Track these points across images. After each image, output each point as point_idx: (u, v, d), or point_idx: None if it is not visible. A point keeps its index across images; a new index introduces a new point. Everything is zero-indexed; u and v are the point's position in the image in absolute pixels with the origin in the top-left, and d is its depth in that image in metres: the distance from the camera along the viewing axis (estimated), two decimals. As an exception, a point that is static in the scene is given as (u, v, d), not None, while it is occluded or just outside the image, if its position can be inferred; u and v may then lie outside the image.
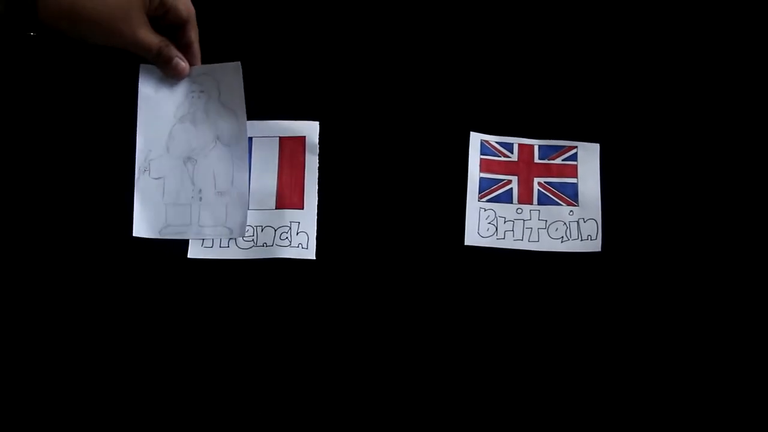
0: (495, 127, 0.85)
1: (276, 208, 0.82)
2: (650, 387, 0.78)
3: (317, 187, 0.82)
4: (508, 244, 0.82)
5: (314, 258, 0.80)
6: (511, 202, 0.83)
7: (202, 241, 0.81)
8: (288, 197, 0.82)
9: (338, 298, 0.80)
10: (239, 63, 0.81)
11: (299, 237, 0.81)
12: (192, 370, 0.78)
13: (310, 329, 0.79)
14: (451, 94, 0.85)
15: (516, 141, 0.85)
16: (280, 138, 0.83)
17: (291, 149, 0.83)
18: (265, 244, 0.81)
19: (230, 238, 0.81)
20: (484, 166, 0.84)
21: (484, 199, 0.83)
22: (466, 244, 0.82)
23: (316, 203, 0.82)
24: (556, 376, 0.78)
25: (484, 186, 0.84)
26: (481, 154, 0.84)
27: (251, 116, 0.83)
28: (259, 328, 0.79)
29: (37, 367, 0.78)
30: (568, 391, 0.78)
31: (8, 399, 0.77)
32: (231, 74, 0.82)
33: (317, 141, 0.83)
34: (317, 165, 0.83)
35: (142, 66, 0.82)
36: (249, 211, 0.82)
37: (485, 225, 0.82)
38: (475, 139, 0.84)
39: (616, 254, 0.81)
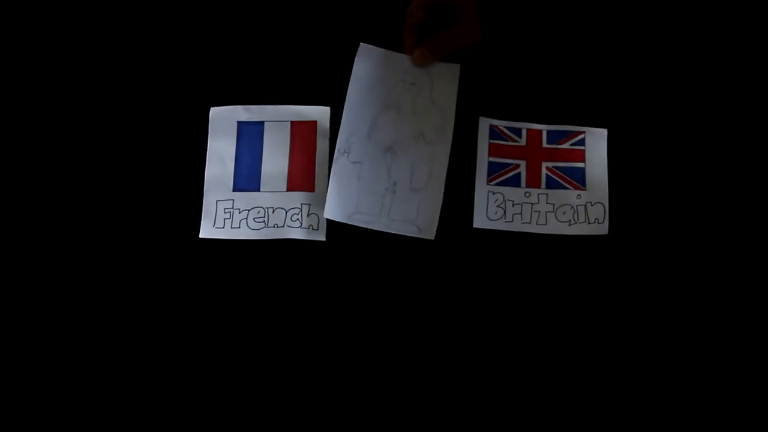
0: (504, 112, 0.86)
1: (287, 191, 0.83)
2: (656, 369, 0.78)
3: (328, 170, 0.83)
4: (517, 227, 0.82)
5: (324, 239, 0.82)
6: (520, 186, 0.84)
7: (214, 220, 0.82)
8: (299, 180, 0.83)
9: (348, 278, 0.81)
10: (458, 65, 0.83)
11: (310, 218, 0.82)
12: (203, 348, 0.80)
13: (321, 309, 0.80)
14: (461, 80, 0.86)
15: (525, 126, 0.85)
16: (292, 122, 0.85)
17: (302, 133, 0.84)
18: (276, 225, 0.82)
19: (418, 237, 0.80)
20: (493, 150, 0.85)
21: (493, 183, 0.84)
22: (474, 226, 0.82)
23: (327, 186, 0.83)
24: (564, 358, 0.79)
25: (493, 170, 0.84)
26: (490, 138, 0.85)
27: (263, 101, 0.85)
28: (270, 307, 0.80)
29: (49, 346, 0.80)
30: (576, 373, 0.79)
31: (24, 371, 0.80)
32: (448, 73, 0.83)
33: (328, 125, 0.84)
34: (328, 148, 0.84)
35: (361, 45, 0.83)
36: (260, 193, 0.83)
37: (494, 208, 0.83)
38: (484, 123, 0.85)
39: (623, 237, 0.81)
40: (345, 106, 0.82)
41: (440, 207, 0.81)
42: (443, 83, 0.83)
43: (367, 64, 0.83)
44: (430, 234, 0.81)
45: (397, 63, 0.84)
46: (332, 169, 0.81)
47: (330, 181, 0.81)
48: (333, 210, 0.81)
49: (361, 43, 0.83)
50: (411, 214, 0.81)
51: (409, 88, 0.83)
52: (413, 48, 0.83)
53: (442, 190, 0.81)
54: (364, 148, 0.82)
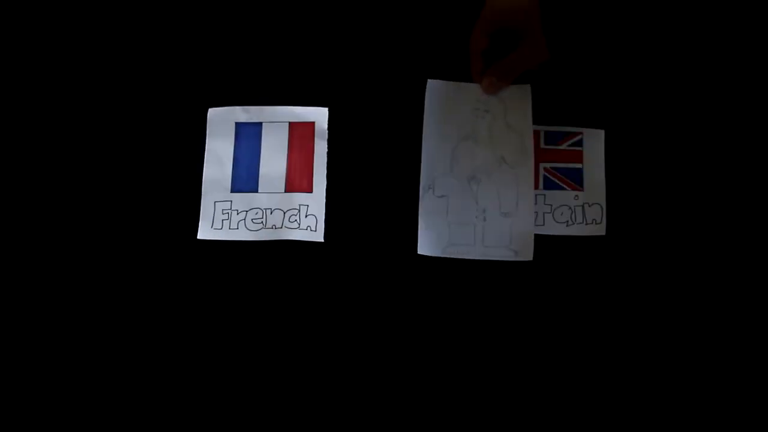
0: (502, 115, 0.86)
1: (285, 192, 0.83)
2: (653, 369, 0.78)
3: (326, 171, 0.83)
4: (514, 227, 0.83)
5: (322, 240, 0.82)
6: (517, 188, 0.84)
7: (212, 222, 0.82)
8: (297, 181, 0.83)
9: (346, 279, 0.81)
10: (529, 86, 0.83)
11: (308, 219, 0.82)
12: (202, 350, 0.80)
13: (319, 310, 0.80)
14: (459, 80, 0.86)
15: (522, 127, 0.86)
16: (290, 123, 0.85)
17: (300, 134, 0.84)
18: (274, 227, 0.82)
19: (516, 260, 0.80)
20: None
21: (489, 184, 0.84)
22: (472, 227, 0.83)
23: (325, 187, 0.83)
24: (563, 358, 0.79)
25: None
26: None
27: (261, 102, 0.85)
28: (268, 309, 0.80)
29: (49, 347, 0.80)
30: (574, 373, 0.79)
31: (28, 367, 0.80)
32: (520, 95, 0.83)
33: (326, 126, 0.85)
34: (326, 150, 0.84)
35: (429, 81, 0.84)
36: (258, 195, 0.83)
37: (491, 209, 0.84)
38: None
39: (621, 238, 0.82)
40: (423, 143, 0.83)
41: (533, 228, 0.81)
42: (516, 105, 0.83)
43: (438, 99, 0.84)
44: (527, 256, 0.81)
45: (468, 93, 0.84)
46: (420, 205, 0.82)
47: (420, 218, 0.81)
48: (427, 246, 0.81)
49: (429, 80, 0.84)
50: (505, 239, 0.81)
51: (484, 116, 0.83)
52: (481, 76, 0.82)
53: (533, 210, 0.81)
54: (448, 181, 0.82)
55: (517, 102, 0.83)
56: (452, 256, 0.81)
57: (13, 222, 0.83)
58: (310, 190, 0.83)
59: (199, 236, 0.82)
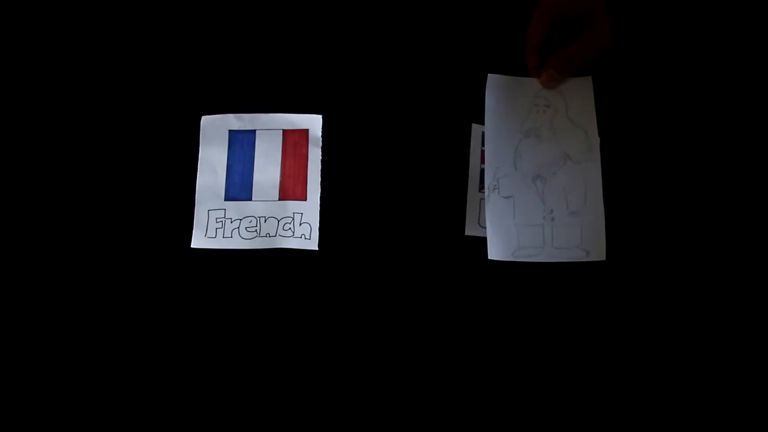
0: (496, 120, 0.86)
1: (279, 199, 0.83)
2: (646, 379, 0.78)
3: (320, 179, 0.83)
4: (509, 234, 0.83)
5: (317, 248, 0.82)
6: (512, 193, 0.84)
7: (205, 230, 0.82)
8: (291, 189, 0.83)
9: (341, 288, 0.81)
10: (590, 77, 0.81)
11: (302, 228, 0.82)
12: (195, 359, 0.80)
13: (313, 319, 0.80)
14: (453, 86, 0.86)
15: (517, 133, 0.85)
16: (284, 131, 0.84)
17: (294, 142, 0.84)
18: (268, 235, 0.82)
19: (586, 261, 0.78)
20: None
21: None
22: (466, 234, 0.82)
23: (319, 195, 0.83)
24: (555, 364, 0.79)
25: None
26: (482, 145, 0.85)
27: (255, 109, 0.85)
28: (263, 317, 0.80)
29: (40, 357, 0.80)
30: (565, 376, 0.79)
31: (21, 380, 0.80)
32: (581, 89, 0.81)
33: (320, 134, 0.84)
34: (320, 157, 0.84)
35: (489, 76, 0.82)
36: (252, 203, 0.83)
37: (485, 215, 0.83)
38: (477, 130, 0.85)
39: (617, 247, 0.81)
40: (485, 140, 0.81)
41: (604, 226, 0.79)
42: (578, 99, 0.81)
43: (498, 95, 0.82)
44: (600, 255, 0.78)
45: (528, 87, 0.82)
46: (486, 208, 0.79)
47: (487, 222, 0.79)
48: (496, 250, 0.79)
49: (489, 75, 0.82)
50: (575, 239, 0.79)
51: (545, 111, 0.81)
52: (539, 70, 0.81)
53: (602, 207, 0.79)
54: (513, 180, 0.80)
55: (579, 95, 0.81)
56: (521, 260, 0.79)
57: (6, 229, 0.83)
58: (304, 198, 0.83)
59: (193, 245, 0.82)
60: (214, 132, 0.84)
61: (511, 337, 0.80)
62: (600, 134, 0.82)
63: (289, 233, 0.82)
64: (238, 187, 0.83)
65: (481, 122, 0.85)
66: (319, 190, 0.83)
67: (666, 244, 0.81)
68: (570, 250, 0.79)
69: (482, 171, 0.84)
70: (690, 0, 0.82)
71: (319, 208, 0.83)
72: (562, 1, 0.78)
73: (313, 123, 0.84)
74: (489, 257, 0.79)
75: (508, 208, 0.80)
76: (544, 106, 0.82)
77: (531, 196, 0.80)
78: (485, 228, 0.82)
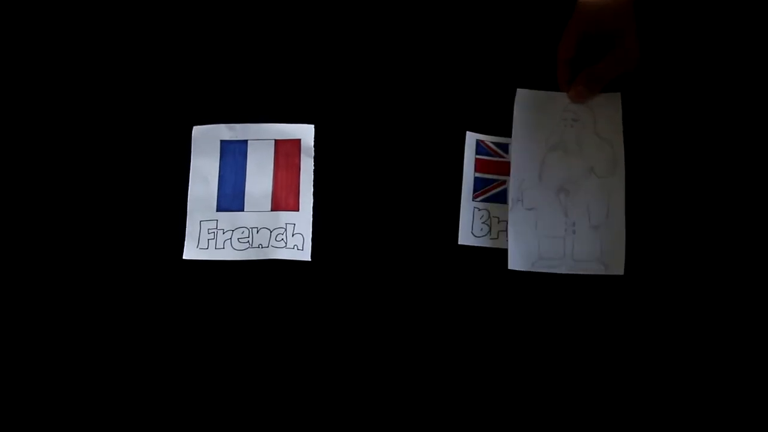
0: (491, 127, 0.85)
1: (271, 210, 0.83)
2: (657, 393, 0.79)
3: (312, 189, 0.83)
4: (502, 244, 0.82)
5: (310, 259, 0.81)
6: (505, 203, 0.83)
7: (197, 241, 0.82)
8: (283, 199, 0.83)
9: (334, 298, 0.81)
10: (619, 94, 0.82)
11: (295, 238, 0.82)
12: (187, 370, 0.80)
13: (306, 330, 0.80)
14: (447, 94, 0.85)
15: (512, 142, 0.85)
16: (276, 141, 0.84)
17: (286, 152, 0.84)
18: (260, 246, 0.82)
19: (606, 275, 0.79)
20: (479, 165, 0.84)
21: (479, 199, 0.83)
22: (459, 243, 0.82)
23: (311, 205, 0.82)
24: (549, 373, 0.79)
25: (479, 186, 0.84)
26: (477, 153, 0.84)
27: (246, 119, 0.84)
28: (255, 329, 0.80)
29: (31, 368, 0.80)
30: (558, 388, 0.79)
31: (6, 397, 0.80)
32: (609, 104, 0.82)
33: (312, 144, 0.84)
34: (312, 167, 0.83)
35: (518, 91, 0.83)
36: (244, 213, 0.83)
37: (479, 225, 0.83)
38: (471, 138, 0.85)
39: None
40: (511, 154, 0.82)
41: (624, 241, 0.79)
42: (606, 114, 0.82)
43: (526, 109, 0.83)
44: (618, 269, 0.79)
45: (556, 102, 0.83)
46: (509, 218, 0.81)
47: (509, 232, 0.80)
48: (516, 260, 0.80)
49: (518, 89, 0.83)
50: (595, 252, 0.80)
51: (572, 125, 0.82)
52: (568, 85, 0.81)
53: (623, 223, 0.80)
54: (537, 192, 0.81)
55: (607, 111, 0.82)
56: (541, 270, 0.80)
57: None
58: (296, 208, 0.83)
59: (185, 256, 0.82)
60: (206, 142, 0.84)
61: (501, 346, 0.80)
62: (625, 149, 0.82)
63: (282, 244, 0.81)
64: (230, 197, 0.83)
65: (475, 130, 0.85)
66: (312, 200, 0.83)
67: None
68: (589, 263, 0.80)
69: (476, 179, 0.84)
70: (717, 17, 0.83)
71: (311, 218, 0.82)
72: (592, 19, 0.79)
73: (305, 133, 0.84)
74: (509, 267, 0.80)
75: (530, 219, 0.81)
76: (572, 120, 0.82)
77: (554, 208, 0.81)
78: (479, 237, 0.82)
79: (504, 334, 0.80)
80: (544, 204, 0.81)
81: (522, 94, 0.83)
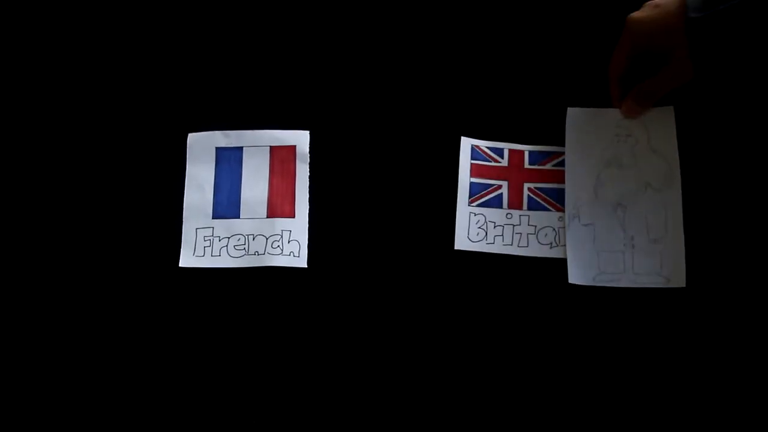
0: (486, 132, 0.85)
1: (267, 217, 0.83)
2: (637, 384, 0.78)
3: (308, 196, 0.83)
4: (498, 248, 0.82)
5: (306, 266, 0.81)
6: (501, 207, 0.84)
7: (193, 249, 0.82)
8: (279, 206, 0.83)
9: (330, 305, 0.81)
10: (672, 107, 0.82)
11: (291, 245, 0.82)
12: (185, 378, 0.80)
13: (303, 337, 0.80)
14: (442, 99, 0.85)
15: (506, 146, 0.85)
16: (271, 147, 0.84)
17: (281, 158, 0.84)
18: (256, 253, 0.81)
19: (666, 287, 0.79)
20: (475, 170, 0.84)
21: (475, 204, 0.84)
22: (455, 248, 0.82)
23: (307, 211, 0.82)
24: (545, 379, 0.79)
25: (475, 191, 0.84)
26: (472, 159, 0.85)
27: (241, 126, 0.84)
28: (252, 336, 0.80)
29: (28, 375, 0.80)
30: (554, 395, 0.79)
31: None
32: (662, 118, 0.82)
33: (308, 150, 0.84)
34: (308, 174, 0.83)
35: (569, 110, 0.83)
36: (240, 220, 0.83)
37: (475, 230, 0.83)
38: (466, 144, 0.85)
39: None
40: (566, 171, 0.82)
41: (684, 253, 0.79)
42: (659, 129, 0.82)
43: (578, 127, 0.83)
44: (680, 282, 0.79)
45: (608, 118, 0.83)
46: (567, 234, 0.81)
47: (567, 247, 0.81)
48: (576, 275, 0.80)
49: (568, 108, 0.83)
50: (655, 266, 0.80)
51: (626, 140, 0.82)
52: (621, 101, 0.82)
53: (682, 236, 0.80)
54: (593, 209, 0.81)
55: (660, 125, 0.82)
56: (601, 285, 0.80)
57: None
58: (292, 215, 0.82)
59: (181, 264, 0.82)
60: (201, 149, 0.84)
61: (498, 352, 0.80)
62: (681, 162, 0.82)
63: (278, 251, 0.81)
64: (226, 204, 0.83)
65: (470, 135, 0.85)
66: (308, 206, 0.83)
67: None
68: (650, 276, 0.80)
69: (471, 184, 0.84)
70: None
71: (307, 225, 0.82)
72: (643, 36, 0.79)
73: (300, 139, 0.84)
74: (570, 281, 0.80)
75: (588, 235, 0.81)
76: (625, 135, 0.83)
77: (611, 223, 0.81)
78: (475, 242, 0.82)
79: (500, 339, 0.80)
80: (601, 219, 0.81)
81: (573, 113, 0.84)
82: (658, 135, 0.82)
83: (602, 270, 0.80)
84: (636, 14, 0.79)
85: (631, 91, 0.81)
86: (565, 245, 0.82)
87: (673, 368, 0.78)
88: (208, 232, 0.82)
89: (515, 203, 0.84)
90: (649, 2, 0.79)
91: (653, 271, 0.80)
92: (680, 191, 0.81)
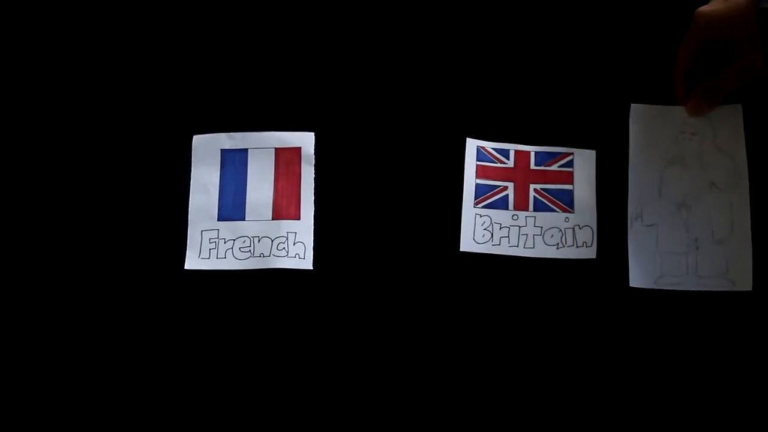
0: (491, 134, 0.85)
1: (272, 219, 0.82)
2: (643, 393, 0.78)
3: (313, 198, 0.83)
4: (504, 250, 0.82)
5: (311, 268, 0.81)
6: (507, 209, 0.83)
7: (199, 251, 0.82)
8: (284, 208, 0.83)
9: (336, 307, 0.81)
10: (740, 105, 0.80)
11: (296, 247, 0.81)
12: (191, 381, 0.80)
13: (308, 339, 0.80)
14: (447, 101, 0.85)
15: (512, 147, 0.85)
16: (276, 149, 0.84)
17: (287, 160, 0.84)
18: (262, 255, 0.81)
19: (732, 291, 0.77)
20: (480, 172, 0.84)
21: (480, 206, 0.83)
22: (461, 250, 0.82)
23: (313, 213, 0.82)
24: (551, 383, 0.79)
25: (480, 192, 0.84)
26: (478, 160, 0.84)
27: (246, 128, 0.84)
28: (257, 338, 0.80)
29: (33, 378, 0.80)
30: (562, 397, 0.79)
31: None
32: (730, 116, 0.80)
33: (313, 152, 0.84)
34: (313, 175, 0.83)
35: (632, 106, 0.82)
36: (245, 223, 0.82)
37: (481, 231, 0.83)
38: (472, 145, 0.84)
39: (611, 261, 0.81)
40: (629, 170, 0.81)
41: (751, 256, 0.78)
42: (726, 127, 0.80)
43: (642, 124, 0.82)
44: (746, 285, 0.78)
45: (673, 116, 0.82)
46: (629, 235, 0.80)
47: (629, 249, 0.80)
48: (638, 278, 0.79)
49: (632, 104, 0.82)
50: (720, 268, 0.78)
51: (691, 139, 0.80)
52: (686, 98, 0.80)
53: (750, 237, 0.78)
54: (656, 208, 0.80)
55: (727, 122, 0.80)
56: (664, 288, 0.79)
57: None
58: (297, 217, 0.82)
59: (187, 266, 0.82)
60: (206, 151, 0.84)
61: (505, 353, 0.80)
62: (748, 162, 0.80)
63: (283, 253, 0.81)
64: (231, 207, 0.83)
65: (475, 136, 0.84)
66: (313, 208, 0.82)
67: None
68: (715, 279, 0.78)
69: (477, 186, 0.83)
70: None
71: (312, 226, 0.82)
72: (712, 29, 0.77)
73: (305, 141, 0.84)
74: (630, 284, 0.79)
75: (650, 235, 0.80)
76: (690, 133, 0.81)
77: (675, 224, 0.80)
78: (480, 244, 0.82)
79: (506, 340, 0.80)
80: (665, 220, 0.80)
81: (636, 109, 0.82)
82: (724, 134, 0.80)
83: (664, 273, 0.79)
84: (705, 8, 0.77)
85: (698, 89, 0.79)
86: (571, 246, 0.81)
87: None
88: (214, 234, 0.82)
89: (521, 204, 0.83)
90: None
91: (718, 273, 0.78)
92: (747, 192, 0.79)
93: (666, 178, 0.80)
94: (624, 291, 0.79)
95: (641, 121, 0.82)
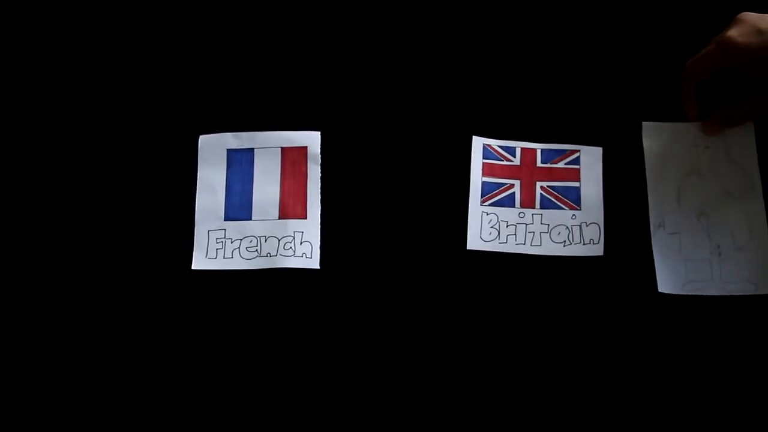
0: (497, 131, 0.85)
1: (279, 218, 0.82)
2: (650, 392, 0.78)
3: (320, 197, 0.83)
4: (511, 248, 0.82)
5: (318, 267, 0.81)
6: (514, 206, 0.83)
7: (206, 251, 0.82)
8: (291, 207, 0.83)
9: (343, 306, 0.81)
10: (752, 122, 0.82)
11: (303, 247, 0.81)
12: (198, 380, 0.79)
13: (315, 339, 0.80)
14: (453, 99, 0.85)
15: (518, 145, 0.85)
16: (282, 148, 0.84)
17: (293, 159, 0.84)
18: (269, 255, 0.81)
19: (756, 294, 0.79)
20: (487, 170, 0.84)
21: (487, 203, 0.83)
22: (468, 248, 0.82)
23: (319, 212, 0.82)
24: (558, 380, 0.79)
25: (487, 190, 0.84)
26: (484, 158, 0.84)
27: (252, 127, 0.84)
28: (264, 338, 0.80)
29: (37, 379, 0.80)
30: (568, 394, 0.78)
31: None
32: (742, 130, 0.82)
33: (319, 151, 0.84)
34: (319, 174, 0.83)
35: (644, 124, 0.83)
36: (252, 222, 0.82)
37: (487, 229, 0.82)
38: (478, 143, 0.84)
39: (619, 258, 0.81)
40: (648, 182, 0.83)
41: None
42: (738, 140, 0.82)
43: (655, 140, 0.83)
44: None
45: (686, 131, 0.83)
46: (653, 243, 0.81)
47: (655, 257, 0.81)
48: (665, 284, 0.80)
49: (643, 122, 0.84)
50: (743, 273, 0.80)
51: (704, 151, 0.82)
52: (693, 99, 0.82)
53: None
54: (677, 218, 0.81)
55: (739, 136, 0.82)
56: (690, 293, 0.80)
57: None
58: (304, 216, 0.82)
59: (194, 266, 0.81)
60: (212, 151, 0.84)
61: (512, 351, 0.80)
62: (761, 171, 0.82)
63: (290, 252, 0.81)
64: (238, 206, 0.83)
65: (481, 134, 0.84)
66: (320, 207, 0.82)
67: None
68: (738, 284, 0.80)
69: (483, 183, 0.83)
70: None
71: (319, 226, 0.82)
72: (739, 60, 0.77)
73: (311, 140, 0.84)
74: (659, 290, 0.80)
75: (674, 243, 0.81)
76: (703, 147, 0.83)
77: (696, 232, 0.81)
78: (487, 242, 0.82)
79: (513, 338, 0.80)
80: (687, 228, 0.81)
81: (648, 127, 0.84)
82: (736, 147, 0.82)
83: (690, 279, 0.80)
84: (737, 37, 0.77)
85: (715, 113, 0.81)
86: (578, 243, 0.81)
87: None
88: (220, 234, 0.82)
89: (528, 202, 0.83)
90: (745, 20, 0.77)
91: (741, 278, 0.80)
92: (761, 200, 0.81)
93: (684, 188, 0.82)
94: (641, 293, 0.80)
95: (654, 137, 0.83)
